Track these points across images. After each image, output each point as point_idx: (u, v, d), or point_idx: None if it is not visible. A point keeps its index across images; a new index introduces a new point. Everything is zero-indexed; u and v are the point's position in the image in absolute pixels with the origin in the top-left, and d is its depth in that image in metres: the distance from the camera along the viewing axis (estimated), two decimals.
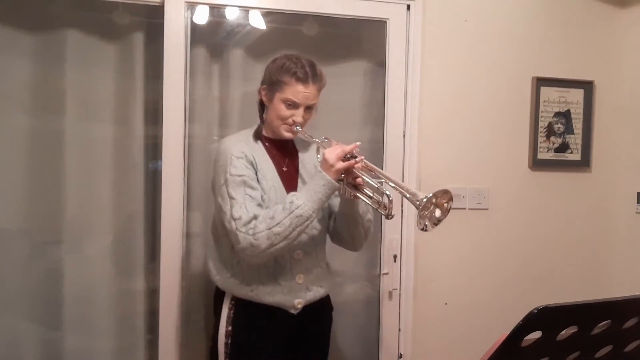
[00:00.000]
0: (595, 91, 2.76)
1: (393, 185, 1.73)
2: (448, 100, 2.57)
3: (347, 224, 1.94)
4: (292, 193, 1.79)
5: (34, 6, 2.25)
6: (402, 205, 2.51)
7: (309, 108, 1.87)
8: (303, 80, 1.82)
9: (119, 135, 2.35)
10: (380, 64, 2.54)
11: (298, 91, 1.82)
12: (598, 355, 1.09)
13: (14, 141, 2.24)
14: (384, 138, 2.51)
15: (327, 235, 2.04)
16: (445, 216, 1.68)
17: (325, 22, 2.49)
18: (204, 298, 2.42)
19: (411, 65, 2.50)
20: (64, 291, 2.29)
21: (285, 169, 1.94)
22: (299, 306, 1.89)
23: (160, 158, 2.27)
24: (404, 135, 2.52)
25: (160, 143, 2.26)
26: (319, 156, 1.89)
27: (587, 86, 2.73)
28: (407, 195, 1.68)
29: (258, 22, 2.43)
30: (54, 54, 2.26)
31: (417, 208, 1.62)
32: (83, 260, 2.33)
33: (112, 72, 2.33)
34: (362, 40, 2.63)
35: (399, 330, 2.55)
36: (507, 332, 0.98)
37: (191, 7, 2.29)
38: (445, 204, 1.67)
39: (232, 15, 2.42)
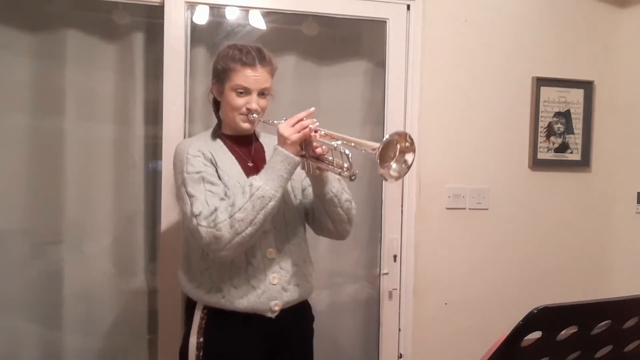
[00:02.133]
0: (595, 91, 2.75)
1: (352, 143, 1.58)
2: (448, 100, 2.57)
3: (324, 207, 1.79)
4: (252, 176, 1.66)
5: (34, 6, 2.25)
6: (402, 205, 2.52)
7: (262, 94, 1.77)
8: (250, 64, 1.73)
9: (119, 135, 2.35)
10: (380, 64, 2.54)
11: (247, 76, 1.73)
12: (598, 355, 1.09)
13: (14, 141, 2.24)
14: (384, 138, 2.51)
15: (307, 232, 1.92)
16: (414, 155, 1.54)
17: (325, 22, 2.49)
18: None
19: (411, 65, 2.50)
20: (64, 291, 2.29)
21: (250, 164, 1.82)
22: (276, 308, 1.75)
23: (160, 158, 2.27)
24: None
25: (160, 143, 2.26)
26: None
27: (587, 86, 2.73)
28: (365, 145, 1.54)
29: (258, 22, 2.43)
30: (54, 54, 2.26)
31: (375, 158, 1.48)
32: (83, 260, 2.33)
33: (112, 72, 2.33)
34: (362, 40, 2.63)
35: (399, 330, 2.55)
36: (507, 332, 0.98)
37: (191, 7, 2.29)
38: (407, 144, 1.53)
39: (232, 15, 2.42)
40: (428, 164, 2.55)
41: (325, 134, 1.66)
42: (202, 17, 2.36)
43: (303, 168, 1.73)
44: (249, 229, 1.60)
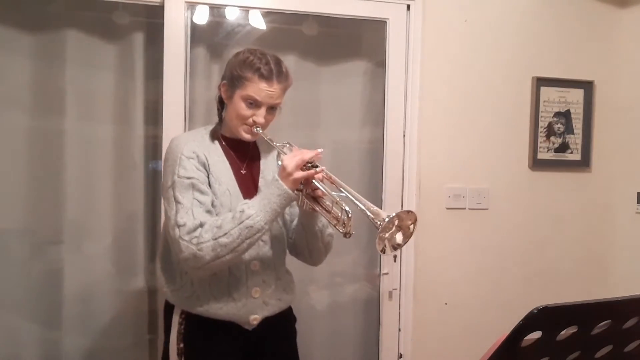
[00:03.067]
0: (595, 91, 2.75)
1: (355, 201, 1.53)
2: (448, 100, 2.57)
3: (305, 236, 1.77)
4: (244, 201, 1.62)
5: (34, 6, 2.25)
6: (402, 205, 2.51)
7: (272, 109, 1.71)
8: (267, 78, 1.66)
9: (119, 135, 2.35)
10: (380, 64, 2.54)
11: (261, 89, 1.66)
12: (598, 355, 1.09)
13: (14, 141, 2.24)
14: (384, 138, 2.51)
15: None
16: (407, 241, 1.53)
17: (325, 22, 2.50)
18: None
19: (411, 65, 2.50)
20: (64, 291, 2.29)
21: (243, 171, 1.77)
22: (254, 322, 1.72)
23: (160, 158, 2.27)
24: (404, 135, 2.52)
25: (160, 143, 2.26)
26: (279, 162, 1.69)
27: (587, 86, 2.73)
28: (368, 214, 1.49)
29: (258, 22, 2.43)
30: (54, 54, 2.26)
31: (377, 228, 1.46)
32: (83, 260, 2.33)
33: (112, 72, 2.33)
34: (362, 40, 2.63)
35: (399, 330, 2.55)
36: (507, 332, 0.98)
37: (191, 7, 2.29)
38: (411, 226, 1.52)
39: (232, 15, 2.42)
40: (428, 164, 2.55)
41: (329, 177, 1.61)
42: (202, 17, 2.36)
43: (297, 202, 1.68)
44: (230, 255, 1.57)
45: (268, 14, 2.42)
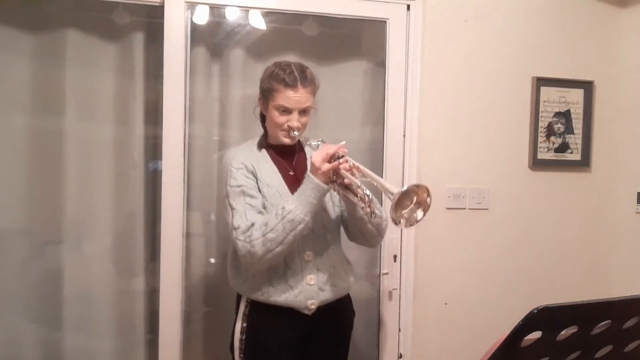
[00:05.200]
0: (595, 91, 2.75)
1: (374, 182, 1.74)
2: (448, 100, 2.57)
3: (354, 222, 1.94)
4: (285, 199, 1.83)
5: (34, 6, 2.26)
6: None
7: (304, 112, 1.89)
8: (292, 85, 1.85)
9: (119, 135, 2.35)
10: (380, 64, 2.54)
11: (288, 97, 1.85)
12: (598, 355, 1.09)
13: (14, 141, 2.24)
14: (384, 138, 2.51)
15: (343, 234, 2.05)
16: (425, 213, 1.70)
17: (325, 22, 2.50)
18: (204, 298, 2.42)
19: (411, 65, 2.50)
20: (64, 291, 2.29)
21: (291, 172, 1.96)
22: (312, 307, 1.89)
23: (160, 158, 2.27)
24: (404, 135, 2.52)
25: (160, 143, 2.27)
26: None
27: (587, 86, 2.73)
28: (384, 190, 1.70)
29: (258, 22, 2.43)
30: (54, 54, 2.26)
31: (390, 201, 1.64)
32: (83, 260, 2.33)
33: (112, 72, 2.33)
34: (362, 40, 2.63)
35: (399, 330, 2.55)
36: (507, 332, 0.98)
37: (191, 7, 2.29)
38: (428, 199, 1.69)
39: (232, 15, 2.42)
40: (428, 164, 2.55)
41: (355, 166, 1.79)
42: (202, 17, 2.36)
43: (335, 190, 1.87)
44: (280, 247, 1.77)
45: (268, 14, 2.43)
